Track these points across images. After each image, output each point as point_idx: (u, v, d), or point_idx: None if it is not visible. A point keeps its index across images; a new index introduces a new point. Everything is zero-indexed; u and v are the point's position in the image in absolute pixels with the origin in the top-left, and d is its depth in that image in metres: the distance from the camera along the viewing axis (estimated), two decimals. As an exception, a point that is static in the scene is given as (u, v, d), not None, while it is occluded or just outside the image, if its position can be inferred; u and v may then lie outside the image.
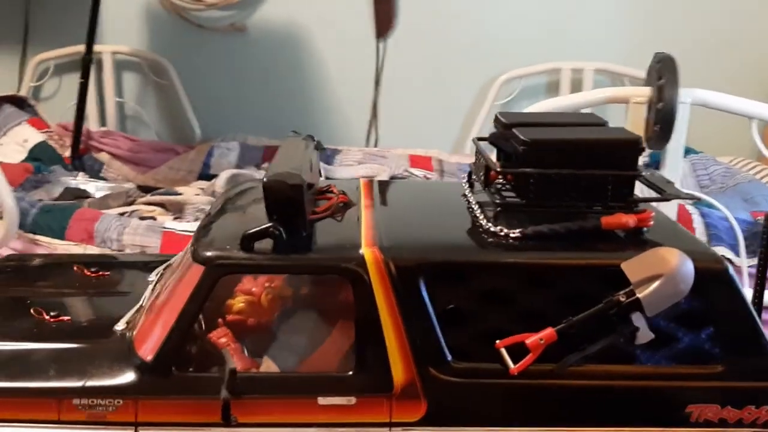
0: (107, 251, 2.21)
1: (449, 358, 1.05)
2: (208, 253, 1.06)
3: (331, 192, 1.23)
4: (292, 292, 1.20)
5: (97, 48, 2.99)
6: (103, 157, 3.09)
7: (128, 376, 1.06)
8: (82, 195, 2.77)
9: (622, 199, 1.12)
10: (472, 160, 3.16)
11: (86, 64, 2.95)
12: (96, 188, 2.83)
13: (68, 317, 1.20)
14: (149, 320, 1.12)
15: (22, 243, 2.18)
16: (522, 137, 1.10)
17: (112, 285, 1.34)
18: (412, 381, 1.05)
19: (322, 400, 1.04)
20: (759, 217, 2.35)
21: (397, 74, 3.26)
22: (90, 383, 1.05)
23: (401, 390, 1.05)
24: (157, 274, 1.32)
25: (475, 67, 3.30)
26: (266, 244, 1.06)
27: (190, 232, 2.21)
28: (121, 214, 2.46)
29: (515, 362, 1.03)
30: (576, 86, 3.26)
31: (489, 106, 3.27)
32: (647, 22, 3.22)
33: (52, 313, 1.19)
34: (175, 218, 2.49)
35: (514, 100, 3.29)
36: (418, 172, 3.07)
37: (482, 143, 1.29)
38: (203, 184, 2.91)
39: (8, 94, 3.12)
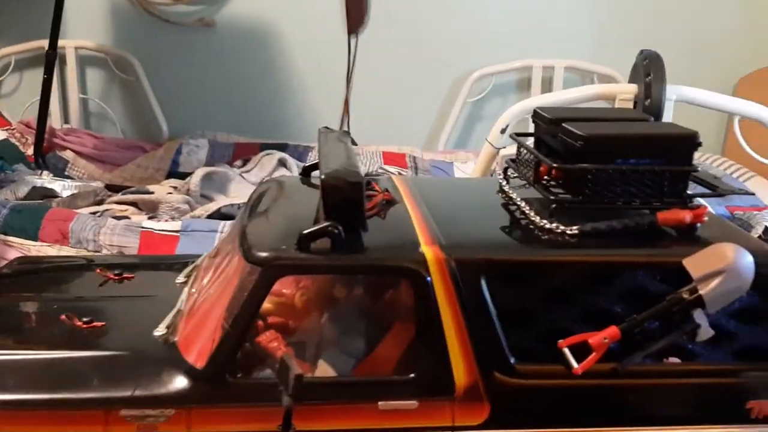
0: (83, 252, 2.12)
1: (512, 359, 1.03)
2: (265, 254, 1.01)
3: (374, 189, 1.19)
4: (333, 293, 1.15)
5: (60, 43, 2.87)
6: (68, 155, 2.98)
7: (179, 385, 1.00)
8: (50, 194, 2.67)
9: (677, 194, 1.11)
10: (452, 157, 3.17)
11: (50, 59, 2.83)
12: (63, 187, 2.73)
13: (102, 323, 1.13)
14: (195, 324, 1.06)
15: (-7, 245, 2.08)
16: (579, 132, 1.09)
17: (138, 288, 1.27)
18: (475, 383, 1.02)
19: (382, 405, 1.01)
20: (736, 212, 2.42)
21: (369, 70, 3.24)
22: (139, 392, 0.99)
23: (464, 393, 1.02)
24: (185, 276, 1.26)
25: (447, 63, 3.30)
26: (323, 243, 1.02)
27: (168, 231, 2.16)
28: (94, 214, 2.37)
29: (578, 362, 1.02)
30: (546, 83, 3.30)
31: (461, 103, 3.28)
32: (613, 21, 3.28)
33: (84, 319, 1.12)
34: (150, 217, 2.41)
35: (486, 97, 3.31)
36: (392, 169, 3.05)
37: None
38: (174, 182, 2.83)
39: (-33, 92, 2.99)
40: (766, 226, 2.21)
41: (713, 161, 3.08)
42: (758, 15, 3.31)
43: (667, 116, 2.16)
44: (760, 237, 2.12)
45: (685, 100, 2.19)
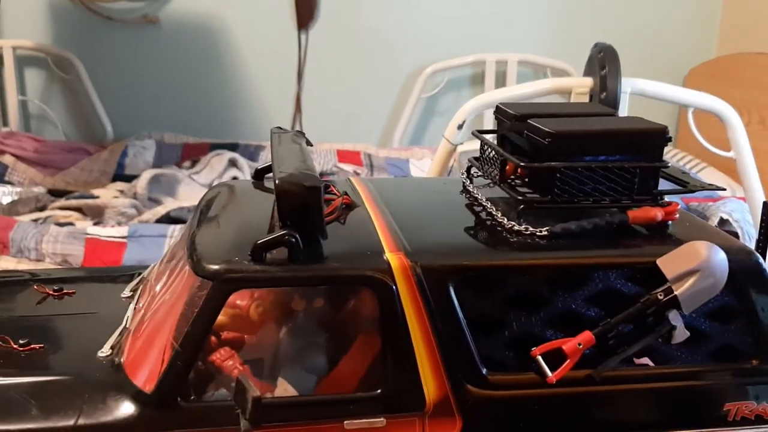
0: (24, 262, 2.02)
1: (483, 370, 0.98)
2: (216, 267, 0.94)
3: (332, 193, 1.13)
4: (291, 305, 1.08)
5: (-3, 43, 2.75)
6: (7, 159, 2.85)
7: (126, 410, 0.92)
8: (-12, 201, 2.55)
9: (647, 192, 1.08)
10: (407, 154, 3.13)
11: (-14, 60, 2.71)
12: (2, 193, 2.61)
13: (40, 345, 1.04)
14: (142, 344, 0.98)
15: (-73, 256, 1.97)
16: (546, 129, 1.04)
17: (80, 304, 1.18)
18: (446, 397, 0.96)
19: (349, 424, 0.94)
20: (692, 203, 2.42)
21: (321, 67, 3.18)
22: (83, 421, 0.90)
23: (434, 407, 0.96)
24: (131, 290, 1.18)
25: (399, 59, 3.27)
26: (280, 253, 0.95)
27: (115, 237, 2.08)
28: (35, 221, 2.27)
29: (552, 369, 0.97)
30: (500, 78, 3.29)
31: (415, 99, 3.25)
32: (564, 14, 3.28)
33: (20, 341, 1.03)
34: (95, 223, 2.32)
35: (440, 93, 3.28)
36: (348, 167, 3.00)
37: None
38: (121, 185, 2.74)
39: None
40: (721, 217, 2.22)
41: (666, 153, 3.10)
42: (707, 6, 3.35)
43: (622, 109, 2.14)
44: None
45: (639, 93, 2.18)
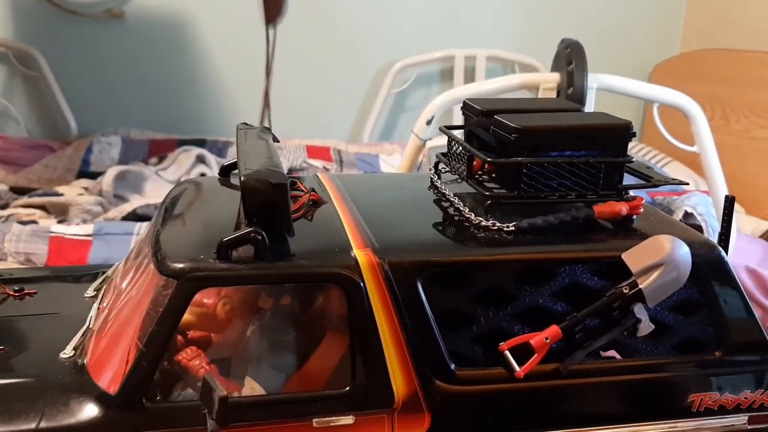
0: (-13, 263, 1.98)
1: (452, 365, 0.98)
2: (181, 265, 0.92)
3: (299, 189, 1.12)
4: (259, 303, 1.07)
5: (-45, 37, 2.68)
6: (-33, 157, 2.79)
7: (90, 413, 0.91)
8: (-52, 200, 2.49)
9: (612, 186, 1.09)
10: (377, 150, 3.13)
11: (-56, 54, 2.64)
12: (-38, 192, 2.56)
13: (0, 347, 1.02)
14: (106, 345, 0.97)
15: None
16: (512, 124, 1.04)
17: (42, 305, 1.16)
18: (414, 393, 0.96)
19: (317, 422, 0.94)
20: (657, 197, 2.45)
21: (289, 62, 3.16)
22: (44, 424, 0.89)
23: (403, 404, 0.96)
24: (95, 289, 1.16)
25: (368, 54, 3.26)
26: (246, 251, 0.94)
27: (80, 235, 2.05)
28: (-3, 219, 2.23)
29: (520, 364, 0.98)
30: (469, 73, 3.30)
31: (385, 95, 3.24)
32: (531, 10, 3.30)
33: (-21, 344, 1.01)
34: (60, 221, 2.28)
35: (410, 88, 3.28)
36: (317, 163, 2.99)
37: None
38: (85, 182, 2.70)
39: None
40: (686, 210, 2.25)
41: (632, 148, 3.14)
42: (671, 3, 3.39)
43: (589, 104, 2.16)
44: (680, 221, 2.16)
45: (606, 88, 2.20)
